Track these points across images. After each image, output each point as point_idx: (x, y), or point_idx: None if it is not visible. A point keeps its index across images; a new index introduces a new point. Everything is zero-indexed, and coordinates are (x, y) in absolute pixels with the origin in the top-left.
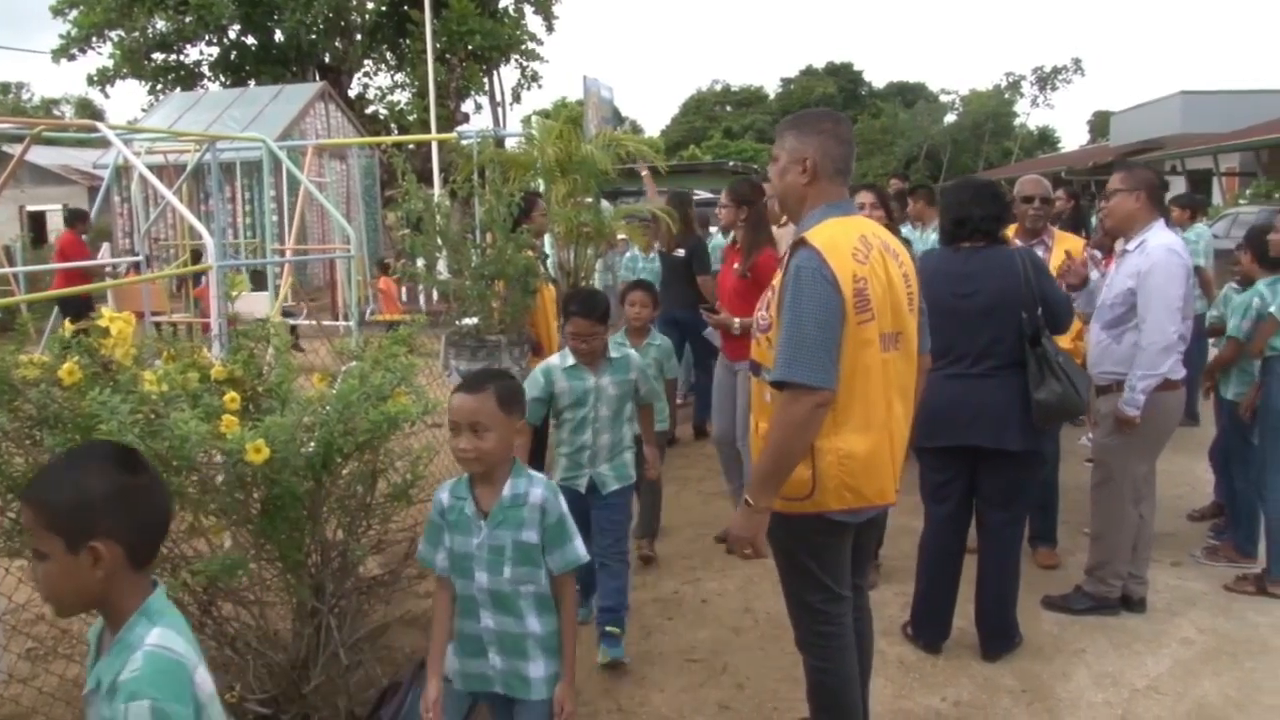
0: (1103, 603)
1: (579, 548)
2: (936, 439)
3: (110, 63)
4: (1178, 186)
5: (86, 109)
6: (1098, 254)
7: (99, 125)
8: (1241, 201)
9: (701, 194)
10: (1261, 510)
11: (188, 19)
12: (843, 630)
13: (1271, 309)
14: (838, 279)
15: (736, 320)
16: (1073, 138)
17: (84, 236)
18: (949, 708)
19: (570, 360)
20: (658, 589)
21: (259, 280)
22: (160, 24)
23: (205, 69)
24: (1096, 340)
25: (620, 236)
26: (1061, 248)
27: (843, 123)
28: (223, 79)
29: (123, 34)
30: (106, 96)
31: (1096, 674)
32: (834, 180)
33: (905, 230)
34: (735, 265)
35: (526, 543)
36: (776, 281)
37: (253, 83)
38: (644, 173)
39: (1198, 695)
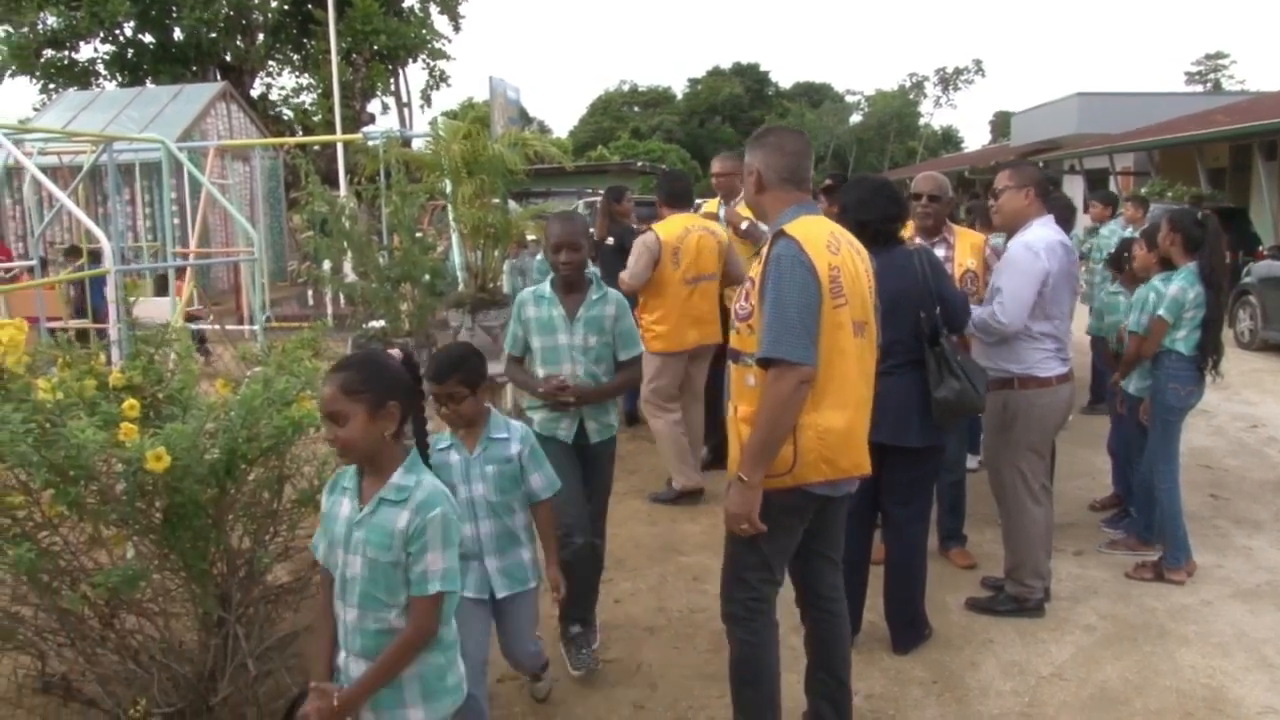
0: (1024, 604)
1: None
2: None
3: None
4: (1075, 185)
5: None
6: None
7: None
8: None
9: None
10: (1156, 500)
11: (79, 14)
12: (769, 609)
13: (1160, 311)
14: (814, 265)
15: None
16: (975, 137)
17: None
18: (861, 700)
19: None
20: None
21: (161, 285)
22: (51, 20)
23: (100, 67)
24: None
25: (530, 238)
26: (965, 243)
27: (787, 135)
28: (119, 78)
29: (10, 29)
30: None
31: (1004, 663)
32: (784, 187)
33: None
34: None
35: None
36: (754, 272)
37: (150, 82)
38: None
39: (1099, 680)
